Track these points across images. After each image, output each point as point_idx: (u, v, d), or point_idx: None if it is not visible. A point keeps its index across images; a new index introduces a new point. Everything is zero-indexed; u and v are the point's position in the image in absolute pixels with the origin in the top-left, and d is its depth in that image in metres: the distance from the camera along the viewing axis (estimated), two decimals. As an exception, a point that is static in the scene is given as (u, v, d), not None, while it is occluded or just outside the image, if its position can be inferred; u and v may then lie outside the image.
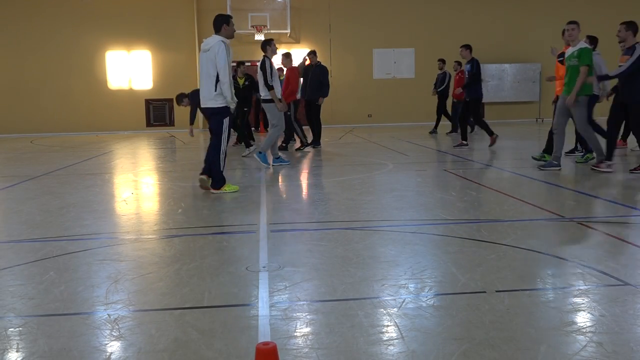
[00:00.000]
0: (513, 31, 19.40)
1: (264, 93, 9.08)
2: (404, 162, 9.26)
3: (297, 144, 12.17)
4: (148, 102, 18.84)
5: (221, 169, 6.60)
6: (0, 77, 18.29)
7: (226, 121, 6.55)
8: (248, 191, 6.98)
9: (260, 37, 17.58)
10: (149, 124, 18.97)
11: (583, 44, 7.77)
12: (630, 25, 7.43)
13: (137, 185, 7.84)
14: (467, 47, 11.54)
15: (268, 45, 9.25)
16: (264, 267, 3.80)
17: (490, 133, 11.18)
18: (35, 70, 18.28)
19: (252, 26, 18.01)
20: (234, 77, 11.40)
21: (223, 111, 6.52)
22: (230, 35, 6.52)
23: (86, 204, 6.30)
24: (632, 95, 7.27)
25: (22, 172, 9.16)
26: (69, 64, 18.34)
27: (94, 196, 6.89)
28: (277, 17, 18.14)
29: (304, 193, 6.82)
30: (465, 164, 9.12)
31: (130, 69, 18.70)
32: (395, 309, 3.05)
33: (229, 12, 17.79)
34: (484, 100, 17.30)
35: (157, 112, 18.75)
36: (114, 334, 2.81)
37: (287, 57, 11.40)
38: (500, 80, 19.22)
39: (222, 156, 6.59)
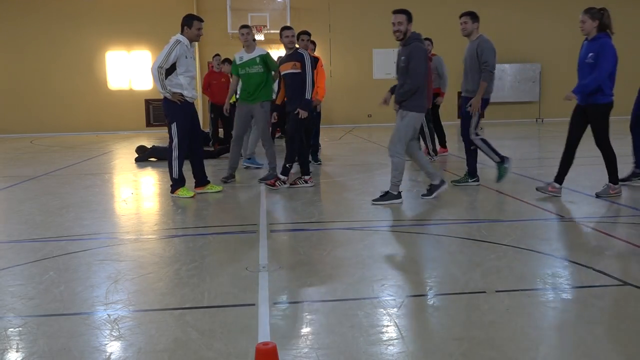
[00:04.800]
0: (513, 31, 19.39)
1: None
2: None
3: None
4: (148, 102, 18.83)
5: (173, 175, 6.44)
6: (0, 77, 18.28)
7: (174, 127, 6.36)
8: (248, 191, 6.99)
9: (260, 37, 17.57)
10: (148, 124, 18.96)
11: (263, 50, 7.41)
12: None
13: (137, 185, 7.84)
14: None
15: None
16: (264, 267, 3.80)
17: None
18: (35, 70, 18.27)
19: (252, 26, 17.97)
20: None
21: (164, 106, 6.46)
22: (192, 38, 6.41)
23: (86, 204, 6.30)
24: (294, 105, 6.86)
25: (22, 172, 9.16)
26: (69, 64, 18.33)
27: (94, 196, 6.89)
28: (277, 17, 18.12)
29: (303, 193, 6.82)
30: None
31: (130, 69, 18.69)
32: (395, 309, 3.05)
33: (228, 12, 17.80)
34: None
35: (157, 112, 18.73)
36: (114, 334, 2.81)
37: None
38: (500, 80, 19.19)
39: (174, 162, 6.39)
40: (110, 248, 4.49)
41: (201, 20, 6.50)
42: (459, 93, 6.58)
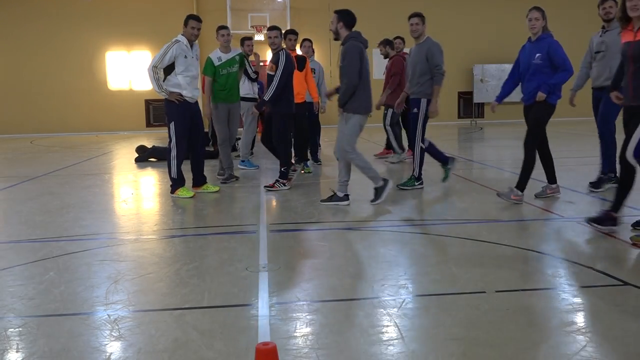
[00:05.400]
0: (513, 31, 19.38)
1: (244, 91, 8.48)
2: (403, 162, 9.26)
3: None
4: (148, 103, 18.84)
5: (172, 175, 6.45)
6: (0, 77, 18.28)
7: (172, 126, 6.39)
8: (247, 191, 6.98)
9: (260, 37, 17.58)
10: (148, 124, 18.97)
11: (238, 49, 7.49)
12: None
13: (137, 186, 7.84)
14: None
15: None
16: (264, 267, 3.80)
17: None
18: (35, 70, 18.27)
19: (252, 26, 17.99)
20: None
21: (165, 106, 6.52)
22: (188, 37, 6.39)
23: (86, 205, 6.30)
24: (276, 107, 6.86)
25: (22, 172, 9.16)
26: (69, 64, 18.33)
27: (94, 196, 6.89)
28: (277, 17, 18.11)
29: (303, 194, 6.82)
30: (465, 164, 9.12)
31: (130, 69, 18.69)
32: (395, 309, 3.05)
33: (228, 12, 17.78)
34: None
35: (157, 112, 18.74)
36: (114, 334, 2.81)
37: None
38: (500, 80, 19.14)
39: (172, 161, 6.42)
40: (110, 248, 4.49)
41: (198, 20, 6.47)
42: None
